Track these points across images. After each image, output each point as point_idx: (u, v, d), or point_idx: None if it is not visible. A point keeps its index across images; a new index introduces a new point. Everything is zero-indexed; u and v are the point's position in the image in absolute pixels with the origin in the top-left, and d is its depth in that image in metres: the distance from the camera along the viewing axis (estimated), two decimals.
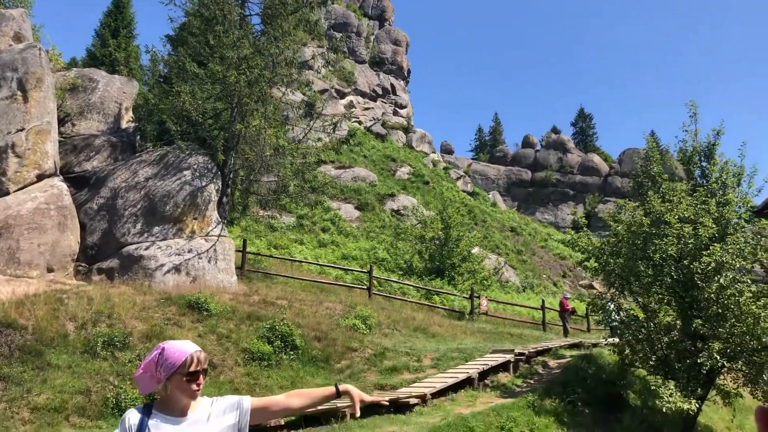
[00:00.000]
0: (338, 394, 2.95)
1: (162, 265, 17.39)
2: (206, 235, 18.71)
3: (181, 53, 20.75)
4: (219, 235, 18.95)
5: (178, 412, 2.76)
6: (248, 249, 22.21)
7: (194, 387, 2.75)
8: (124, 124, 21.93)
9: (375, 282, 23.61)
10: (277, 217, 31.29)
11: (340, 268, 25.59)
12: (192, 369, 2.74)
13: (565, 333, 24.20)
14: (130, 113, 22.71)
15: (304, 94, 39.92)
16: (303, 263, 25.01)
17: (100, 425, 10.56)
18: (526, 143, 76.45)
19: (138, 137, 21.38)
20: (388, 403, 4.12)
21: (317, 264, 25.32)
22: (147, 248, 17.55)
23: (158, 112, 20.42)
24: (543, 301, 28.26)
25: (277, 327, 14.94)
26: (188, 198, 18.48)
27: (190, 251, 18.02)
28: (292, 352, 14.71)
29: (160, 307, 14.86)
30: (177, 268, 17.56)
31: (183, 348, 2.78)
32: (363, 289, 22.85)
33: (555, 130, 78.58)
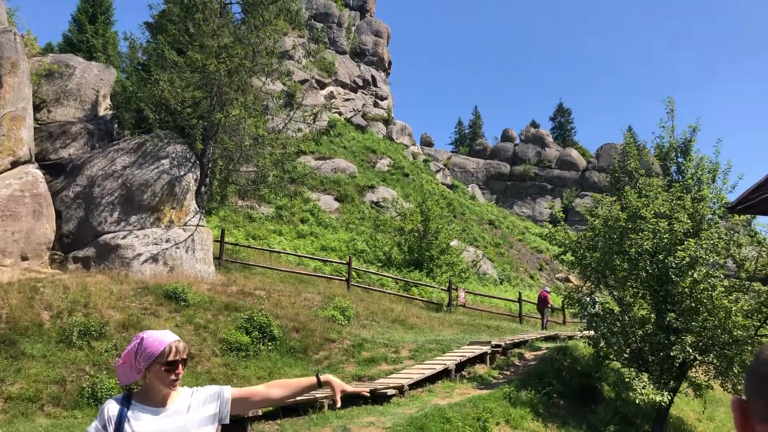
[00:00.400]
0: (319, 385, 2.96)
1: (139, 255, 17.24)
2: (184, 225, 18.58)
3: (160, 41, 20.51)
4: (197, 225, 18.83)
5: (158, 403, 2.75)
6: (226, 239, 22.11)
7: (173, 377, 2.75)
8: (101, 112, 21.65)
9: (354, 273, 23.63)
10: (255, 208, 31.16)
11: (319, 260, 25.58)
12: (171, 358, 2.73)
13: (543, 325, 24.44)
14: (108, 101, 22.41)
15: (284, 84, 39.67)
16: (281, 254, 24.95)
17: (75, 415, 10.48)
18: (506, 137, 76.74)
19: (116, 125, 21.12)
20: (369, 394, 4.14)
21: (296, 255, 25.28)
22: (124, 237, 17.38)
23: (136, 100, 20.18)
24: (520, 293, 28.51)
25: (255, 317, 14.91)
26: (166, 187, 18.32)
27: (167, 241, 17.88)
28: (270, 343, 14.71)
29: (137, 296, 14.76)
30: (154, 258, 17.43)
31: (162, 338, 2.78)
32: (342, 280, 22.86)
33: (534, 125, 79.00)
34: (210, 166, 20.44)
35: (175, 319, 14.35)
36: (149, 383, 2.76)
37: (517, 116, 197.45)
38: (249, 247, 23.83)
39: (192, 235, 18.44)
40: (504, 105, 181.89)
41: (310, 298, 18.58)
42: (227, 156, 20.79)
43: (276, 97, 24.62)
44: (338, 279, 23.10)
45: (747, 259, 14.09)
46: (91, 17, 32.74)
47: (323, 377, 2.97)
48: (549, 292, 25.42)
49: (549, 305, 24.86)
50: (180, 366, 2.77)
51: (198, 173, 19.67)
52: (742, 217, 13.81)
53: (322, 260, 25.64)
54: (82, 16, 32.65)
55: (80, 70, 21.53)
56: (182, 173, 18.83)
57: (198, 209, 19.30)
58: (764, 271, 13.75)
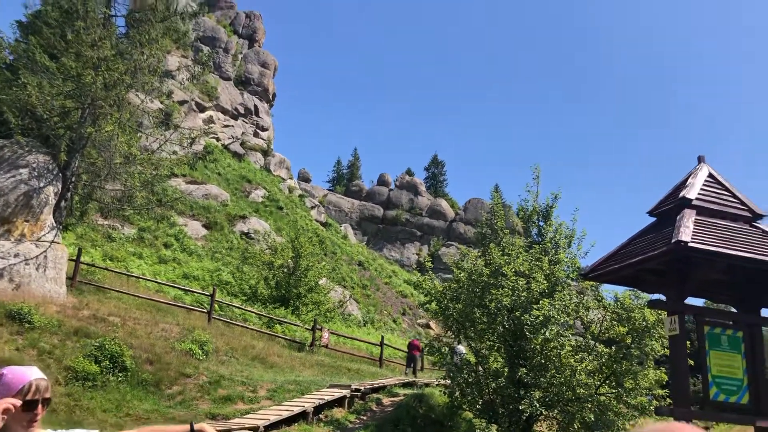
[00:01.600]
0: None
1: None
2: (37, 240, 17.32)
3: (32, 42, 19.29)
4: (52, 242, 17.62)
5: None
6: (82, 259, 20.79)
7: (30, 417, 2.59)
8: None
9: (216, 306, 22.93)
10: (117, 228, 29.59)
11: (181, 288, 24.57)
12: (29, 397, 2.58)
13: (414, 372, 24.41)
14: None
15: (162, 103, 38.40)
16: (141, 279, 23.74)
17: None
18: (381, 181, 78.46)
19: None
20: None
21: (156, 282, 24.13)
22: None
23: None
24: (382, 337, 28.82)
25: (106, 346, 14.10)
26: (22, 198, 17.06)
27: (16, 256, 16.57)
28: (120, 374, 13.91)
29: None
30: None
31: (24, 374, 2.62)
32: (203, 312, 22.09)
33: (409, 173, 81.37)
34: (73, 180, 19.28)
35: (17, 342, 13.26)
36: (7, 423, 2.58)
37: (395, 162, 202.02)
38: (106, 269, 22.47)
39: (45, 251, 17.21)
40: (383, 150, 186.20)
41: (168, 328, 17.83)
42: (94, 172, 19.73)
43: (152, 115, 23.82)
44: (199, 310, 22.30)
45: (593, 322, 15.18)
46: None
47: (197, 426, 2.88)
48: (420, 341, 25.68)
49: (419, 353, 25.00)
50: (39, 406, 2.62)
51: (59, 186, 18.50)
52: (591, 282, 14.88)
53: (184, 289, 24.65)
54: None
55: None
56: (42, 185, 17.63)
57: (55, 224, 18.09)
58: (607, 334, 14.86)
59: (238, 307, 24.90)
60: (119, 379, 13.79)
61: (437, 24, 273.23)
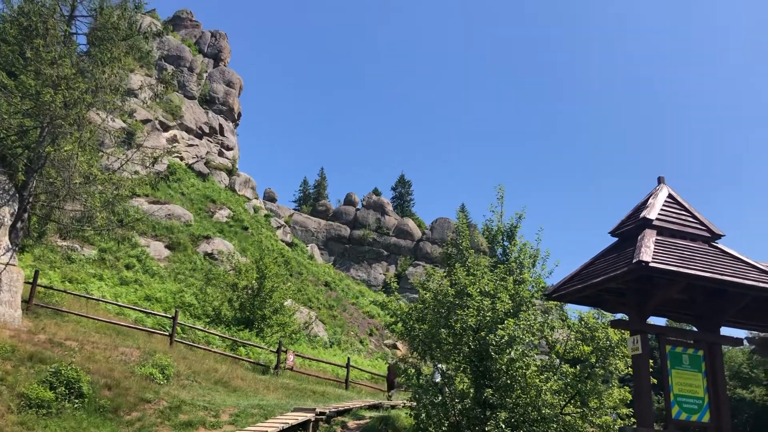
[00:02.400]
0: None
1: None
2: None
3: None
4: (7, 264, 17.10)
5: None
6: (40, 281, 20.22)
7: None
8: None
9: (179, 328, 22.47)
10: (77, 249, 28.93)
11: (141, 311, 23.99)
12: None
13: (390, 395, 24.18)
14: None
15: (124, 122, 37.87)
16: (101, 302, 23.15)
17: None
18: (348, 201, 78.41)
19: None
20: None
21: (116, 304, 23.53)
22: None
23: None
24: (348, 359, 28.57)
25: (62, 371, 13.68)
26: None
27: None
28: (77, 400, 13.50)
29: None
30: None
31: None
32: (164, 335, 21.63)
33: (376, 192, 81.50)
34: (31, 200, 18.80)
35: None
36: None
37: (362, 182, 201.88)
38: (65, 291, 21.86)
39: (0, 273, 16.69)
40: (350, 170, 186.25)
41: (128, 352, 17.40)
42: (52, 192, 19.25)
43: (114, 134, 23.45)
44: (161, 333, 21.82)
45: (558, 342, 15.23)
46: None
47: None
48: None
49: (395, 377, 24.78)
50: None
51: (16, 207, 18.01)
52: (555, 302, 14.94)
53: (145, 312, 24.08)
54: None
55: None
56: None
57: (11, 246, 17.58)
58: (572, 354, 14.92)
59: (201, 330, 24.44)
60: (75, 405, 13.36)
61: (401, 45, 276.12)
